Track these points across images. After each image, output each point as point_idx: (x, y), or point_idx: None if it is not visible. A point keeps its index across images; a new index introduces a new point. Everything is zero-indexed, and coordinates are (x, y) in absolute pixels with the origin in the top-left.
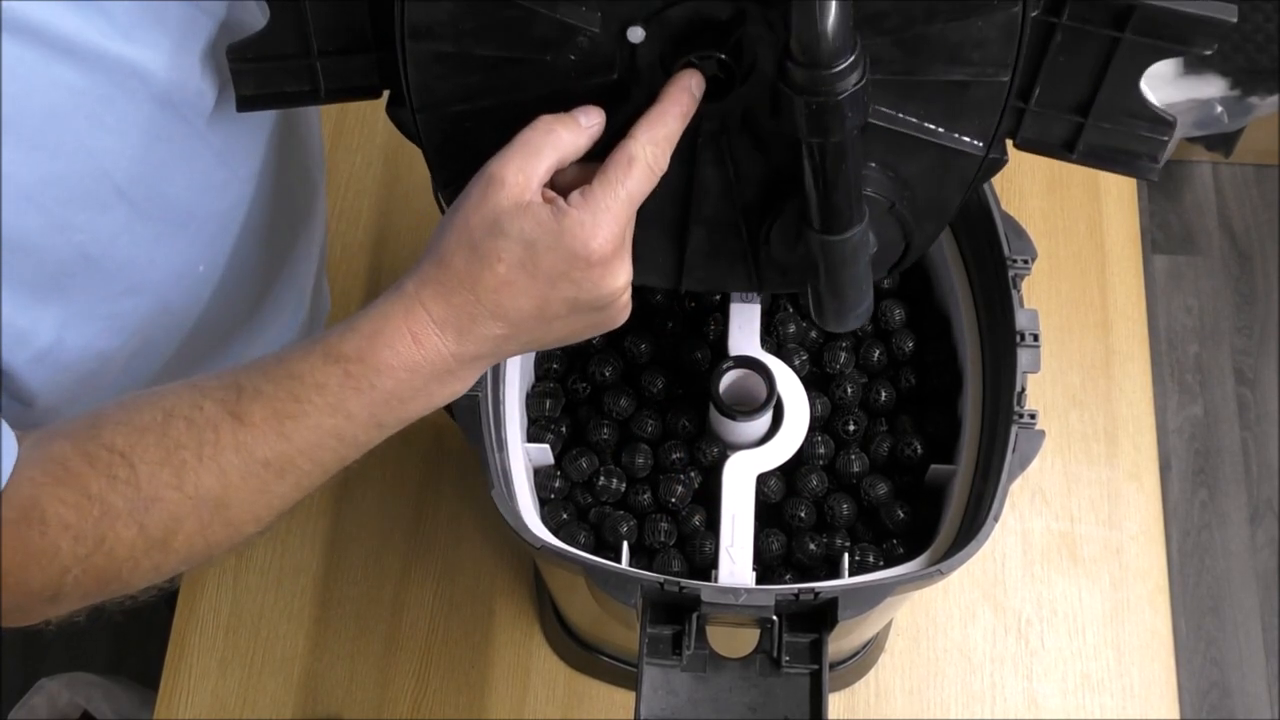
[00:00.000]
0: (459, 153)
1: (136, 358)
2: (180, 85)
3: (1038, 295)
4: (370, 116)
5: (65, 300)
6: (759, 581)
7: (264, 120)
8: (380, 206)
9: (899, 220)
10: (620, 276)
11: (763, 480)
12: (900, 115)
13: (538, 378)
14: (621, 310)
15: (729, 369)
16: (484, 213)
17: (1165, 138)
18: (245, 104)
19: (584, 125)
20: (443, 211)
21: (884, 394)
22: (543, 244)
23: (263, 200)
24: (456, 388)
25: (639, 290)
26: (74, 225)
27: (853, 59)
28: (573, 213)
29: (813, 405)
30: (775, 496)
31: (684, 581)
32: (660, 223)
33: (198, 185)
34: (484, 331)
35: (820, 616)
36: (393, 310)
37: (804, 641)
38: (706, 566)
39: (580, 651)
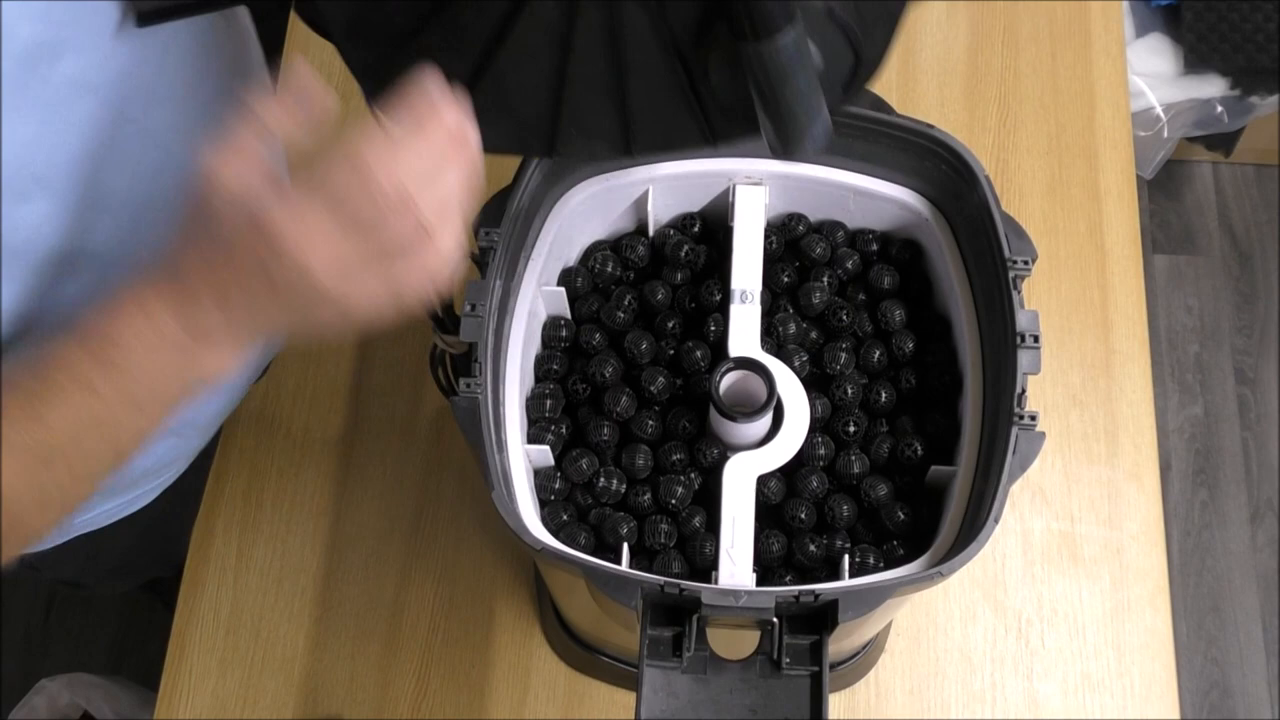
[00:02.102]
0: (370, 36)
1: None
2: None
3: (1038, 295)
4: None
5: (57, 201)
6: (759, 583)
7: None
8: None
9: (840, 27)
10: (314, 261)
11: (763, 481)
12: None
13: (538, 379)
14: (349, 303)
15: (729, 370)
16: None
17: None
18: (145, 19)
19: (296, 82)
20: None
21: (884, 395)
22: (226, 209)
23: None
24: (216, 359)
25: (640, 287)
26: (71, 143)
27: None
28: (273, 208)
29: (813, 406)
30: (775, 498)
31: (684, 584)
32: (592, 83)
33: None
34: (202, 307)
35: (820, 618)
36: (132, 285)
37: (804, 643)
38: (707, 568)
39: (580, 652)
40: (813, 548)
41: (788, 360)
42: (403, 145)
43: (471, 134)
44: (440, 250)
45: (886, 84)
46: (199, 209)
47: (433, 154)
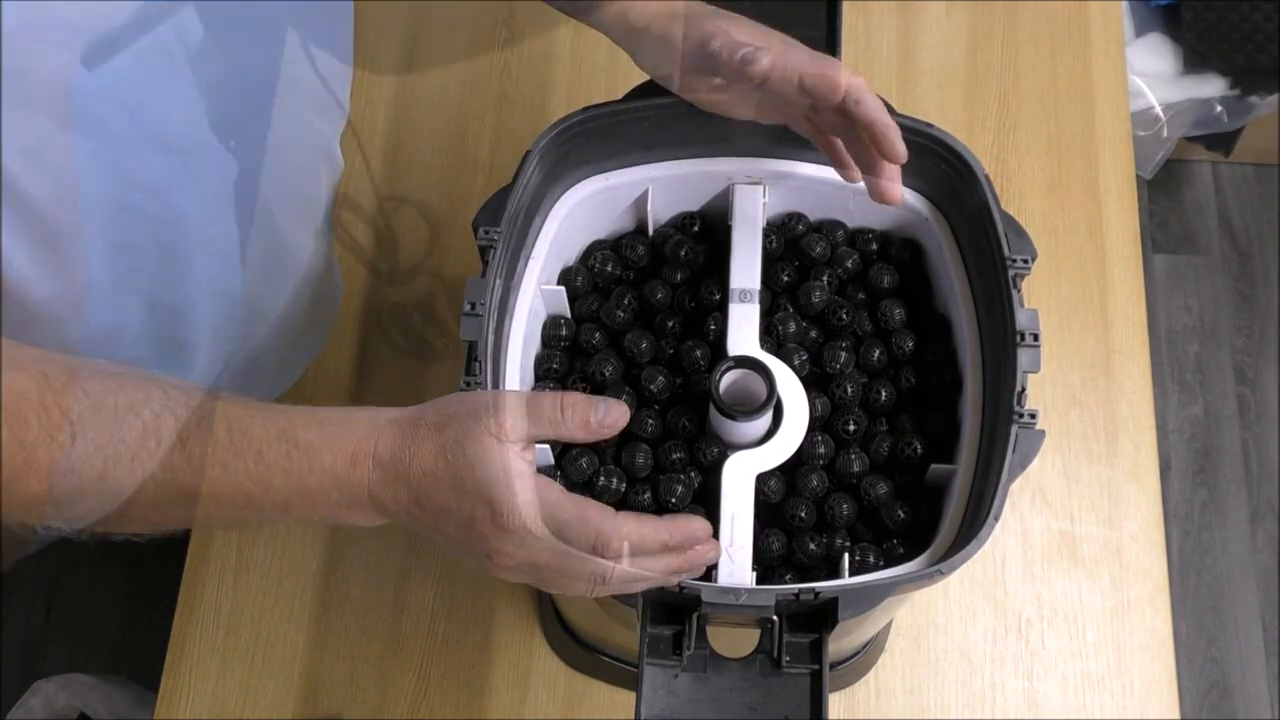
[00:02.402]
0: None
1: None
2: None
3: (1037, 295)
4: (371, 116)
5: (95, 135)
6: (759, 581)
7: (299, 9)
8: (380, 206)
9: None
10: (507, 549)
11: (762, 480)
12: None
13: (538, 378)
14: (497, 569)
15: (729, 369)
16: (467, 430)
17: None
18: None
19: (593, 421)
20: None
21: (884, 394)
22: (479, 474)
23: (291, 88)
24: (361, 520)
25: (640, 287)
26: (115, 69)
27: None
28: (522, 487)
29: (812, 405)
30: (775, 496)
31: (684, 582)
32: None
33: (234, 56)
34: (399, 492)
35: (820, 616)
36: (355, 428)
37: (804, 641)
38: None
39: (580, 652)
40: (812, 546)
41: (787, 359)
42: (647, 521)
43: (696, 568)
44: (509, 568)
45: (886, 84)
46: (454, 426)
47: (661, 544)
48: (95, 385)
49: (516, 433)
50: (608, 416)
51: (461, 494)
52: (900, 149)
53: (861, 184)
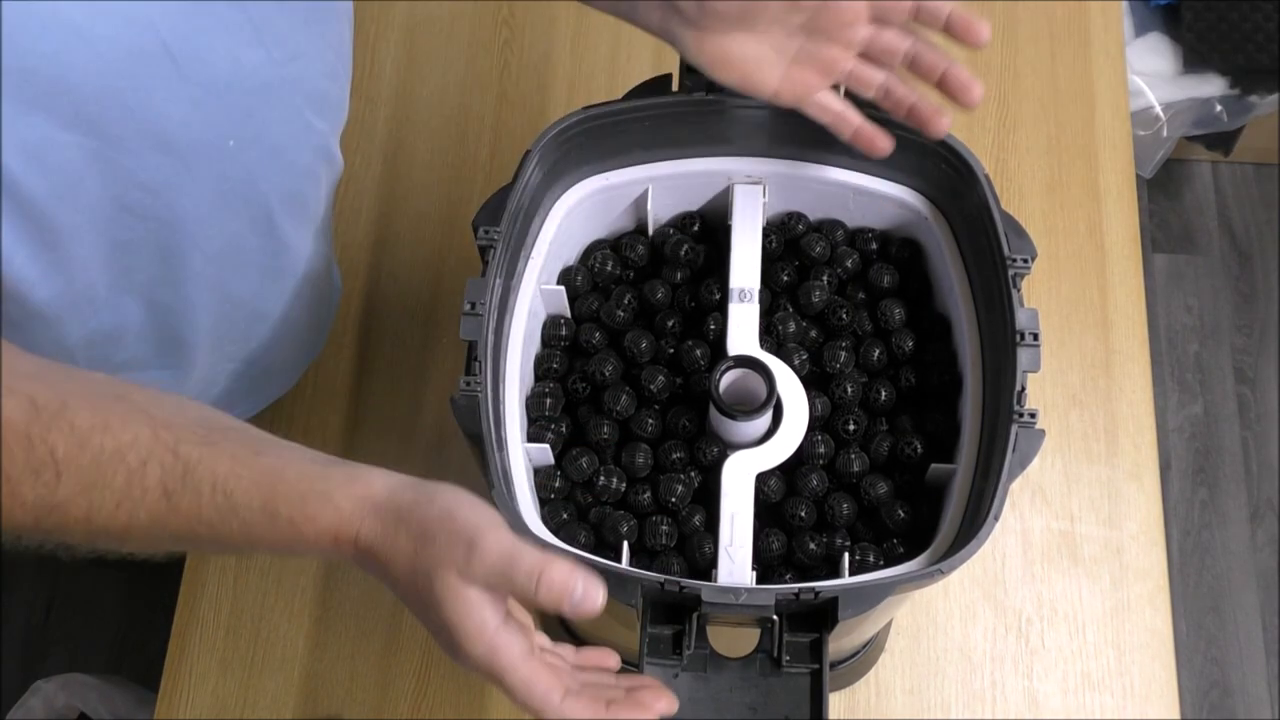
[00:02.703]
0: None
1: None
2: None
3: (1037, 295)
4: (369, 116)
5: (95, 134)
6: (759, 581)
7: (300, 9)
8: (380, 207)
9: None
10: (475, 666)
11: (762, 479)
12: None
13: (538, 378)
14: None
15: (729, 368)
16: (441, 560)
17: None
18: None
19: (566, 606)
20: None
21: (884, 393)
22: (444, 612)
23: (291, 87)
24: (342, 561)
25: (640, 286)
26: (116, 70)
27: None
28: (478, 639)
29: (812, 404)
30: (775, 496)
31: (684, 581)
32: None
33: (235, 56)
34: (382, 575)
35: (820, 616)
36: (340, 507)
37: (804, 641)
38: (706, 567)
39: None
40: (812, 546)
41: (787, 359)
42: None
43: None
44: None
45: None
46: (430, 552)
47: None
48: (84, 419)
49: (486, 584)
50: (584, 600)
51: (426, 616)
52: (982, 32)
53: (861, 183)
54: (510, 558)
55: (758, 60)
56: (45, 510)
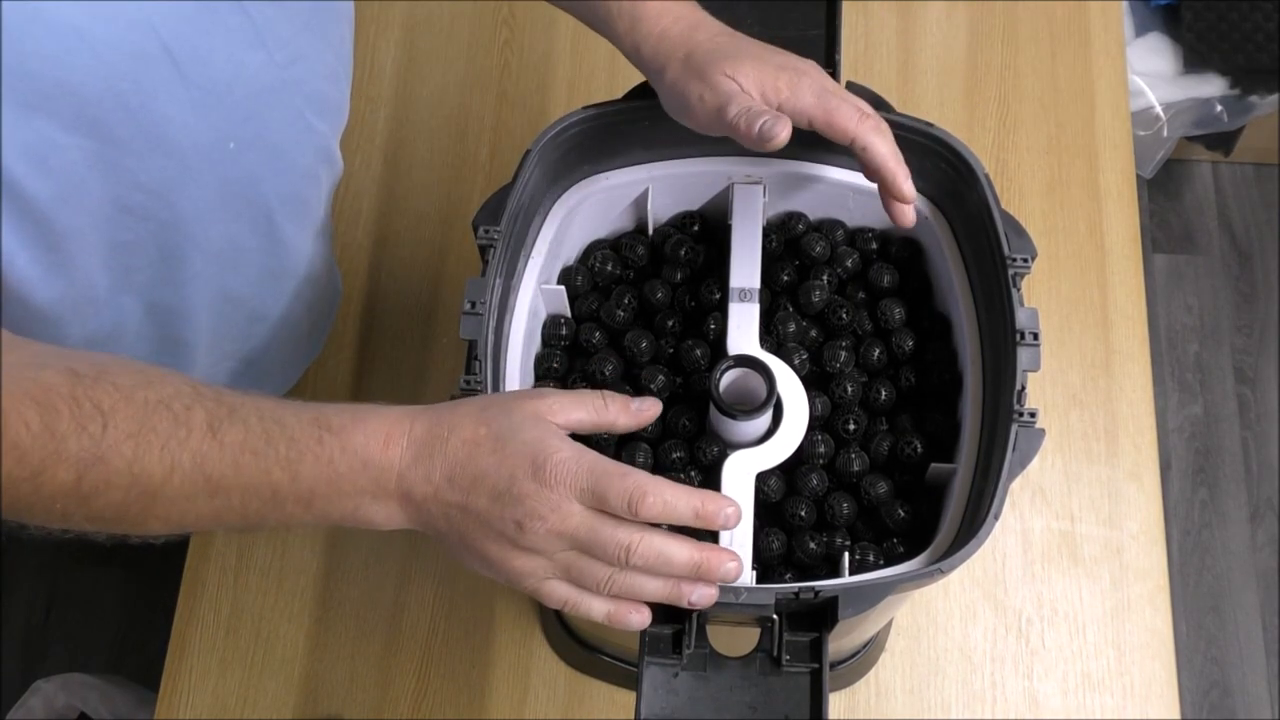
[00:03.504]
0: None
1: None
2: None
3: (1038, 294)
4: (370, 116)
5: (97, 136)
6: (759, 580)
7: (301, 10)
8: (380, 207)
9: None
10: (541, 512)
11: (762, 479)
12: None
13: (538, 377)
14: (519, 551)
15: (729, 368)
16: (511, 403)
17: None
18: None
19: (633, 410)
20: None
21: (884, 393)
22: (524, 435)
23: (291, 89)
24: (381, 515)
25: (640, 286)
26: (118, 72)
27: None
28: (566, 444)
29: (812, 404)
30: (775, 495)
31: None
32: None
33: (236, 59)
34: (431, 471)
35: (820, 615)
36: (390, 413)
37: (804, 640)
38: None
39: (580, 652)
40: (812, 545)
41: (787, 358)
42: (682, 487)
43: (713, 572)
44: (610, 579)
45: (886, 83)
46: (498, 402)
47: (693, 511)
48: (125, 379)
49: (562, 412)
50: (645, 405)
51: (503, 455)
52: (907, 190)
53: (862, 183)
54: (572, 391)
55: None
56: (89, 463)
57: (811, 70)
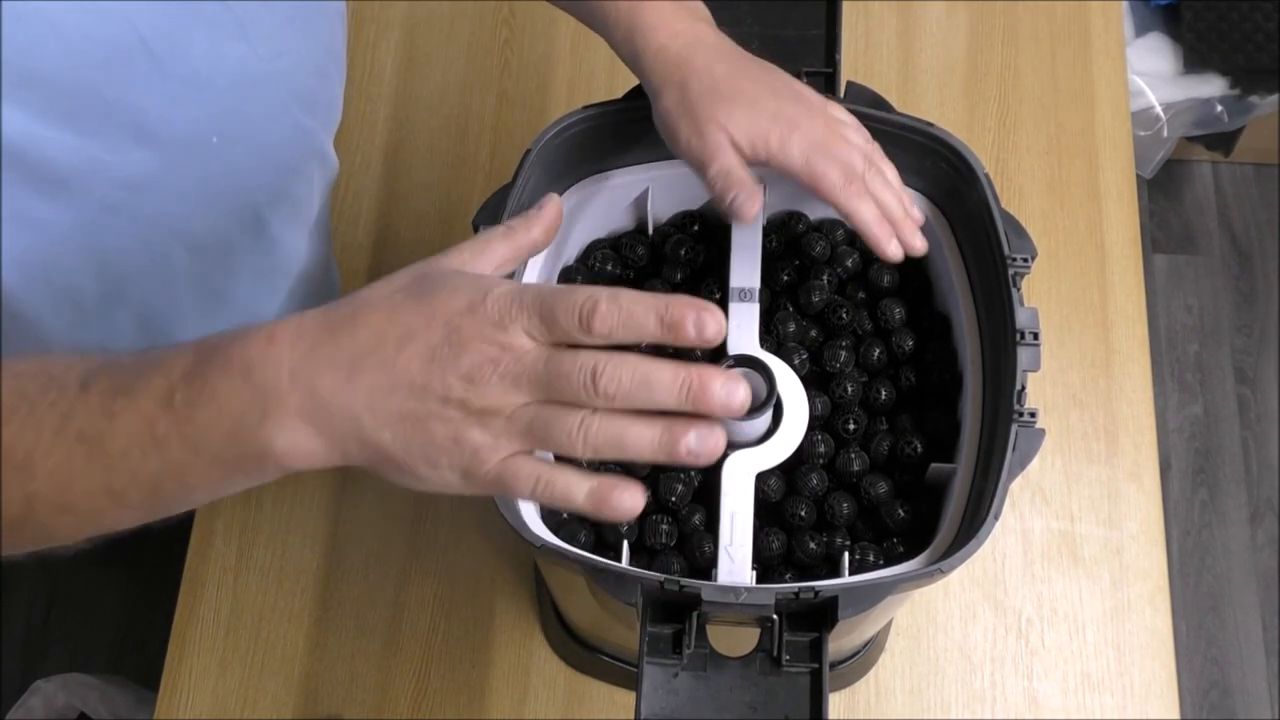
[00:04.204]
0: None
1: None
2: None
3: (1038, 294)
4: (370, 115)
5: (75, 130)
6: (759, 580)
7: (285, 6)
8: (380, 207)
9: None
10: (489, 354)
11: (762, 479)
12: None
13: None
14: (472, 408)
15: (729, 368)
16: (423, 267)
17: None
18: None
19: (542, 216)
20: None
21: (884, 393)
22: (454, 279)
23: (276, 84)
24: (281, 441)
25: (640, 286)
26: (90, 62)
27: None
28: (501, 275)
29: (812, 404)
30: (775, 495)
31: (684, 580)
32: None
33: (217, 51)
34: (335, 354)
35: (820, 615)
36: (273, 319)
37: (804, 640)
38: (706, 567)
39: (580, 651)
40: (812, 545)
41: (787, 358)
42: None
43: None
44: (581, 426)
45: (886, 82)
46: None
47: (656, 316)
48: (12, 359)
49: (479, 257)
50: (544, 202)
51: (431, 306)
52: (891, 254)
53: None
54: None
55: None
56: None
57: (806, 120)
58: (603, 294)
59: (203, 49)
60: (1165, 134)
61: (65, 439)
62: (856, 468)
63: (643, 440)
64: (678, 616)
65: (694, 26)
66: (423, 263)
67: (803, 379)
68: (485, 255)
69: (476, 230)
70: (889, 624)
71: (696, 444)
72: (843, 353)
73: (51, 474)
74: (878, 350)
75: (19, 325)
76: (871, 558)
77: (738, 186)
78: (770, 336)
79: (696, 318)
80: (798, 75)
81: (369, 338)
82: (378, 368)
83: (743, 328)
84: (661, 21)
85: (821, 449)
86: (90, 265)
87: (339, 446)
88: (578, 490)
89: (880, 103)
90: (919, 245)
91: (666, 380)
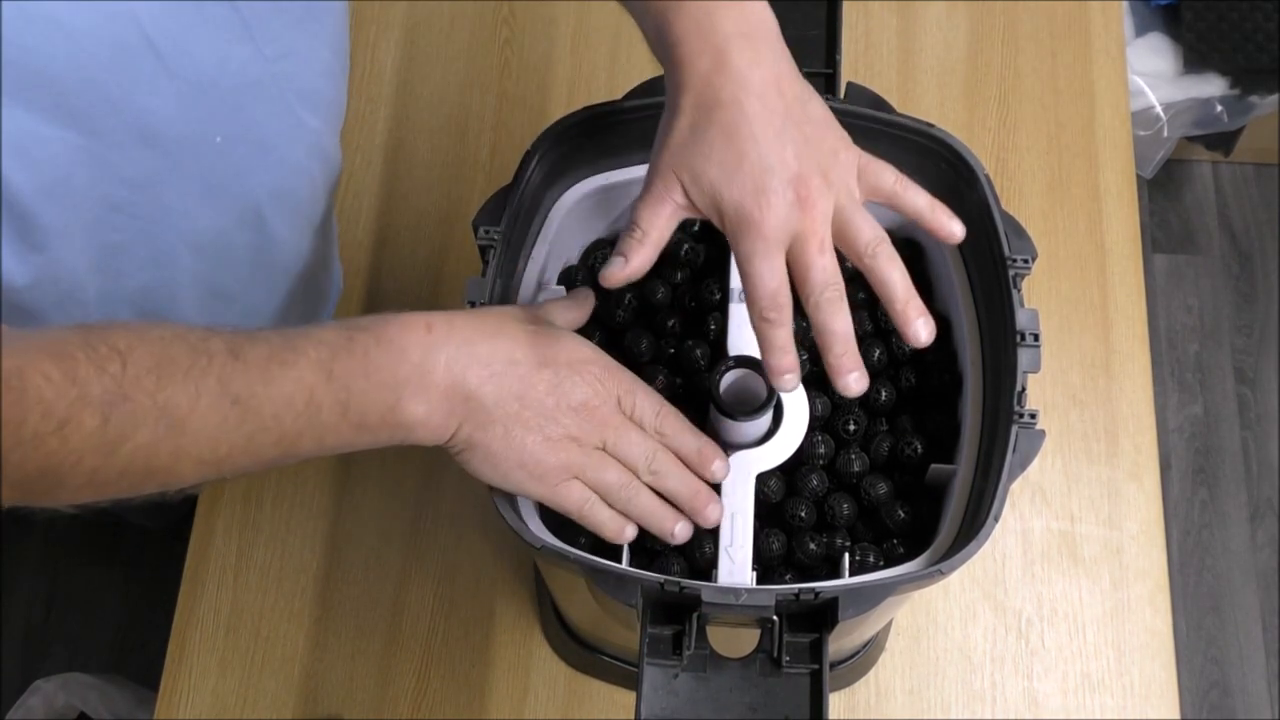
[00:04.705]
0: None
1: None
2: None
3: (1038, 295)
4: (370, 115)
5: (79, 129)
6: (759, 581)
7: (293, 7)
8: (380, 206)
9: None
10: (604, 400)
11: (763, 480)
12: None
13: None
14: (561, 444)
15: (729, 368)
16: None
17: None
18: None
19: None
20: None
21: (884, 393)
22: (575, 341)
23: (282, 84)
24: (418, 412)
25: (640, 286)
26: (97, 62)
27: None
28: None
29: (812, 404)
30: (775, 496)
31: (684, 581)
32: None
33: (222, 51)
34: (493, 354)
35: (820, 616)
36: (420, 313)
37: (804, 641)
38: (706, 567)
39: (581, 652)
40: (813, 546)
41: None
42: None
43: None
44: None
45: (886, 83)
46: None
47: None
48: (135, 324)
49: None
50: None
51: (562, 346)
52: (917, 332)
53: None
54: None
55: None
56: (113, 402)
57: (779, 207)
58: (669, 406)
59: (208, 49)
60: (1165, 134)
61: (222, 402)
62: (857, 468)
63: (655, 515)
64: (678, 617)
65: (720, 48)
66: (534, 306)
67: (803, 379)
68: (566, 315)
69: (476, 230)
70: (889, 624)
71: (681, 531)
72: None
73: (203, 432)
74: (878, 351)
75: (22, 320)
76: (872, 559)
77: (617, 253)
78: None
79: (718, 463)
80: None
81: (510, 348)
82: (517, 380)
83: (743, 328)
84: (685, 36)
85: (822, 450)
86: (91, 254)
87: (454, 425)
88: (604, 519)
89: (880, 103)
90: (959, 229)
91: (686, 482)
